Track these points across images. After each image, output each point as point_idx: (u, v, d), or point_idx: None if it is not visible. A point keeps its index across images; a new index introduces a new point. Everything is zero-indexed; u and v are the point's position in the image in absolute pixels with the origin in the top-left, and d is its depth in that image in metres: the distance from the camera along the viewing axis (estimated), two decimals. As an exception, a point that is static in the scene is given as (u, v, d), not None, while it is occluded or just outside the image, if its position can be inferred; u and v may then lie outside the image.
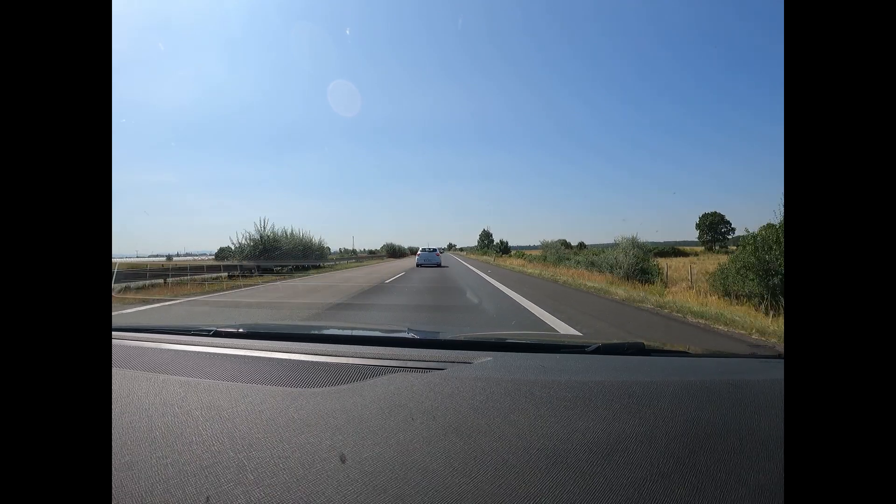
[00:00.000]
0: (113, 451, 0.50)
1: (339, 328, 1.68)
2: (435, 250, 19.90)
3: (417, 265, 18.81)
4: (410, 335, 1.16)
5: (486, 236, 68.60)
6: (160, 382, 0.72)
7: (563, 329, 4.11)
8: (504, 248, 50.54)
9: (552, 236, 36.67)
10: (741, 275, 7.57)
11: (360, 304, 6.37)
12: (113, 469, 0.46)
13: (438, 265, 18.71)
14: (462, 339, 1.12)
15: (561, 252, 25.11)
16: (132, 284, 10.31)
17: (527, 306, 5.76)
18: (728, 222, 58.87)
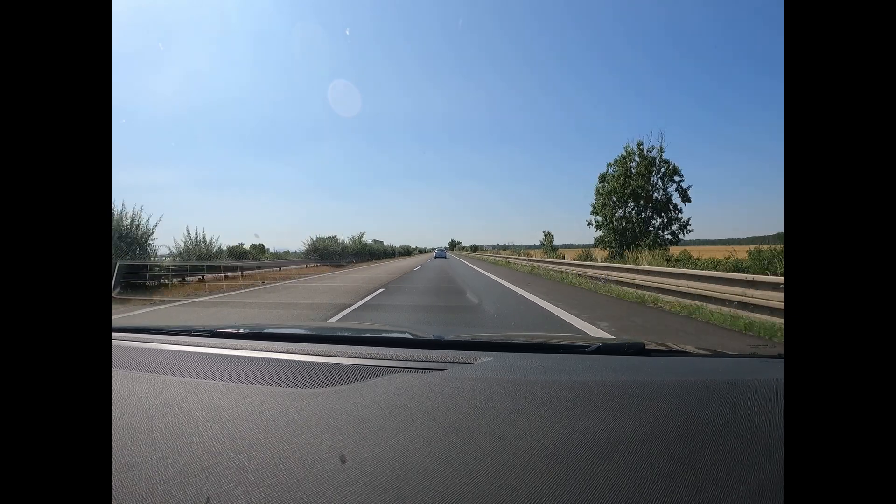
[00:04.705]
0: (113, 452, 0.50)
1: (338, 328, 1.67)
2: (444, 249, 38.27)
3: (434, 257, 32.15)
4: (410, 335, 1.16)
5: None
6: (160, 383, 0.72)
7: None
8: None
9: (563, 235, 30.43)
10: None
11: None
12: (113, 470, 0.46)
13: (445, 258, 32.85)
14: (462, 339, 1.11)
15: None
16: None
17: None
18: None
